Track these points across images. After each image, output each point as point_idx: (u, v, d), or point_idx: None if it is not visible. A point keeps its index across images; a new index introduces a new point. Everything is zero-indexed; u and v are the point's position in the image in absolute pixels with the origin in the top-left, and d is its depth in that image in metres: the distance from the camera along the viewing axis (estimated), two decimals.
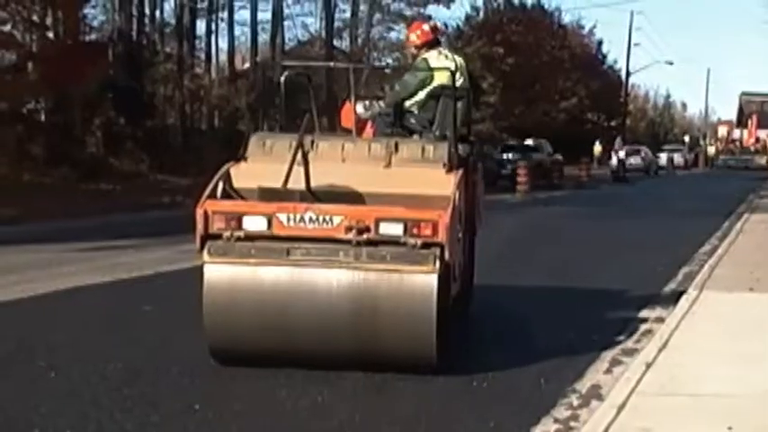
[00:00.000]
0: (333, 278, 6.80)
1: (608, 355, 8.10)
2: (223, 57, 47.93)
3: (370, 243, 6.78)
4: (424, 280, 6.75)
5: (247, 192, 7.46)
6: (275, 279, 6.86)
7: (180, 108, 41.46)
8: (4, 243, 15.32)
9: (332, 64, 30.09)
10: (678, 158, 71.37)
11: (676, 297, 10.83)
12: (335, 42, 50.53)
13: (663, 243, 17.39)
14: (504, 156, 40.24)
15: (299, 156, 7.28)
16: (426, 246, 6.75)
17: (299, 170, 7.25)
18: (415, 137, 8.67)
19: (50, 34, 33.42)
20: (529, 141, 45.05)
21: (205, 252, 6.90)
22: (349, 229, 6.76)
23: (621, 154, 50.33)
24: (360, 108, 9.17)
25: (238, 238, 6.86)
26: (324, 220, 6.83)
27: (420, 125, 8.93)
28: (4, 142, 28.37)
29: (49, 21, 32.89)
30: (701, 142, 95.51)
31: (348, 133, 8.86)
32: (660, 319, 9.61)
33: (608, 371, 7.53)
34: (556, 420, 6.22)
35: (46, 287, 10.98)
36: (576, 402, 6.67)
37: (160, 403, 6.30)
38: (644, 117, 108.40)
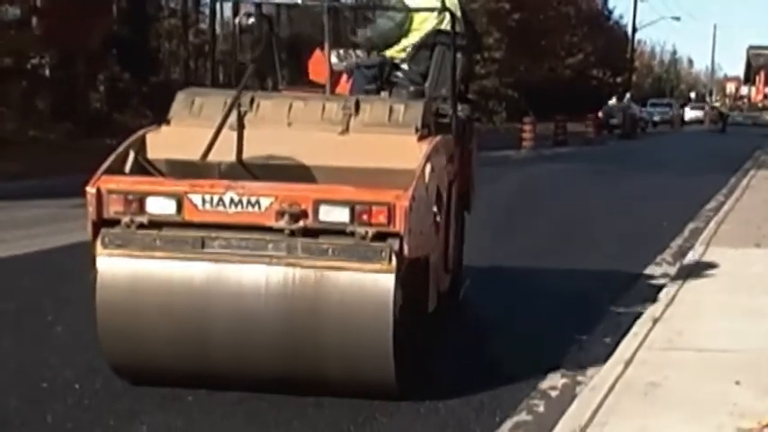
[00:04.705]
0: (261, 277, 5.34)
1: (615, 311, 8.11)
2: (228, 12, 47.81)
3: (307, 233, 5.31)
4: (378, 281, 5.25)
5: (166, 165, 6.08)
6: (187, 278, 5.41)
7: (184, 63, 41.36)
8: (9, 198, 15.34)
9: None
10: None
11: (683, 253, 10.84)
12: None
13: (668, 199, 17.39)
14: (652, 109, 66.47)
15: (234, 118, 5.96)
16: (381, 236, 5.28)
17: (234, 137, 5.98)
18: (384, 94, 7.23)
19: None
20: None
21: (98, 242, 5.44)
22: (280, 214, 5.31)
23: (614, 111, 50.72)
24: (332, 58, 7.47)
25: (140, 225, 5.42)
26: (249, 202, 5.35)
27: (409, 80, 7.42)
28: (9, 98, 28.34)
29: None
30: (708, 99, 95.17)
31: (319, 89, 7.22)
32: (666, 275, 9.62)
33: (615, 326, 7.53)
34: (564, 375, 6.24)
35: (52, 242, 10.98)
36: (583, 357, 6.68)
37: None
38: (650, 73, 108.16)
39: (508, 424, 5.37)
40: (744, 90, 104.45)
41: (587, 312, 8.01)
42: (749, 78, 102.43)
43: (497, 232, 11.69)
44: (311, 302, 5.31)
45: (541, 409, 5.63)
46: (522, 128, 34.98)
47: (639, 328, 7.05)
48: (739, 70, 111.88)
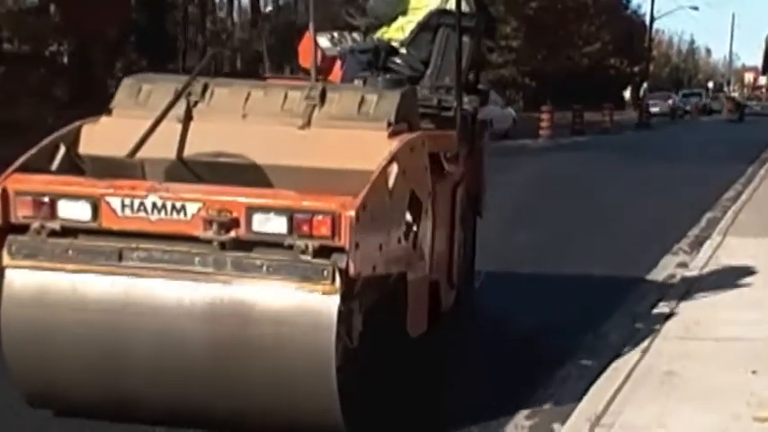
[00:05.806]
0: (185, 297, 4.60)
1: (631, 299, 8.11)
2: (245, 0, 47.88)
3: (239, 245, 4.53)
4: (319, 305, 4.44)
5: (90, 162, 5.31)
6: (103, 294, 4.68)
7: (202, 51, 41.42)
8: None
9: None
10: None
11: (700, 242, 10.82)
12: None
13: (685, 187, 17.33)
14: (685, 99, 71.24)
15: (182, 109, 5.26)
16: (326, 251, 4.43)
17: (179, 131, 5.26)
18: (358, 82, 6.38)
19: None
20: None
21: (5, 251, 4.73)
22: (209, 222, 4.51)
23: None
24: (325, 42, 6.88)
25: (52, 233, 4.68)
26: (174, 208, 4.55)
27: (409, 67, 6.67)
28: (27, 85, 28.42)
29: None
30: (725, 88, 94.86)
31: (308, 75, 6.55)
32: (684, 265, 9.60)
33: (632, 315, 7.53)
34: (580, 363, 6.25)
35: None
36: (599, 346, 6.69)
37: None
38: (668, 63, 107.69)
39: (524, 411, 5.38)
40: (762, 80, 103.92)
41: (604, 301, 8.01)
42: (767, 68, 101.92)
43: (516, 220, 11.69)
44: (242, 327, 4.56)
45: (557, 396, 5.64)
46: (540, 117, 34.99)
47: (656, 317, 7.06)
48: (757, 60, 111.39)
